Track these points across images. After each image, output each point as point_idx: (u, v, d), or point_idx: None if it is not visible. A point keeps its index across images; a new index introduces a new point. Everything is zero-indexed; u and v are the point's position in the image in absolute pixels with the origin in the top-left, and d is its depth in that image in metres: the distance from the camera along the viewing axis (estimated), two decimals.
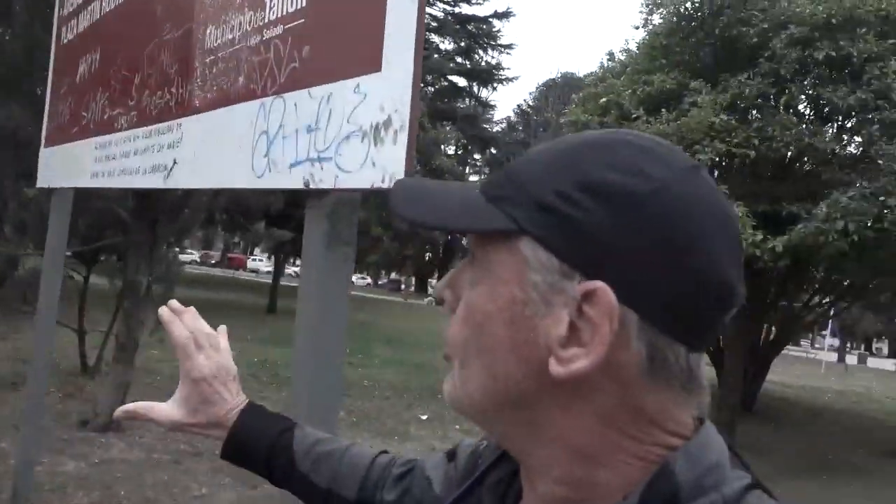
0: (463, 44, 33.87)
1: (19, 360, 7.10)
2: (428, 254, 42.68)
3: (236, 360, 0.90)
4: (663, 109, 8.88)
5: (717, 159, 8.40)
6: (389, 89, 1.15)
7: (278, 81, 1.46)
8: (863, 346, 48.22)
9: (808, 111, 9.70)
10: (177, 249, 8.38)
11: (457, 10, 33.14)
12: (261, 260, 48.03)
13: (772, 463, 7.71)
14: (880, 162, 7.94)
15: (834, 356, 30.61)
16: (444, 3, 32.32)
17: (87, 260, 7.56)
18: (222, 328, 0.93)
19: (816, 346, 40.14)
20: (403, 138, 1.11)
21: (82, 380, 7.20)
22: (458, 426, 7.58)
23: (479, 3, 39.40)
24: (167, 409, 0.88)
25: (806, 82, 8.96)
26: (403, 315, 23.50)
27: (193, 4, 1.87)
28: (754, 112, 9.00)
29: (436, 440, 7.00)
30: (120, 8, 2.49)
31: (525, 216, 0.47)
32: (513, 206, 0.48)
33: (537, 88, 44.82)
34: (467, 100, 37.09)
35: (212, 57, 1.76)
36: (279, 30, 1.48)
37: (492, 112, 41.25)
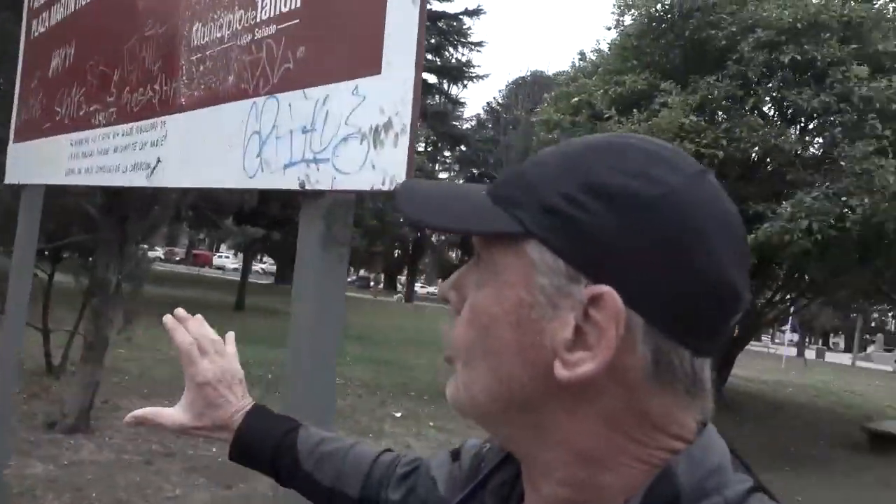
0: (433, 40, 33.80)
1: None
2: (397, 251, 42.56)
3: None
4: (635, 110, 9.00)
5: None
6: (390, 91, 1.15)
7: (271, 81, 1.44)
8: (821, 341, 49.53)
9: (773, 113, 9.93)
10: (145, 246, 8.21)
11: (427, 6, 33.05)
12: (227, 257, 47.39)
13: None
14: (842, 163, 8.16)
15: (794, 351, 31.33)
16: None
17: (51, 257, 7.37)
18: (230, 334, 0.94)
19: (776, 341, 41.09)
20: (405, 141, 1.11)
21: (47, 380, 7.02)
22: (431, 423, 7.59)
23: (450, 0, 39.44)
24: (174, 414, 0.89)
25: (771, 85, 9.17)
26: (373, 312, 23.43)
27: (179, 1, 1.84)
28: (722, 113, 9.18)
29: (410, 437, 6.99)
30: (97, 2, 2.44)
31: (531, 218, 0.47)
32: (519, 208, 0.48)
33: (507, 86, 44.87)
34: (437, 97, 37.04)
35: (199, 55, 1.73)
36: (272, 30, 1.46)
37: (462, 109, 41.35)
